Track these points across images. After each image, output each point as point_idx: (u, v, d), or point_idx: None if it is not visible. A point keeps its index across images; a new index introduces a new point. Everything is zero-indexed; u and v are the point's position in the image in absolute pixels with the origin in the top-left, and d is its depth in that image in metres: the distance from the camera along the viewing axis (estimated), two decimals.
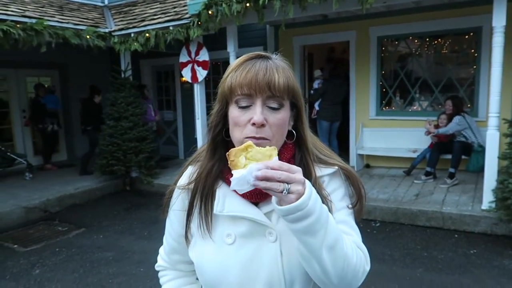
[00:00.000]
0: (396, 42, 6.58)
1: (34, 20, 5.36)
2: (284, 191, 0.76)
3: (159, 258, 1.24)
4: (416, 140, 6.20)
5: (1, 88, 8.06)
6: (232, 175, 0.97)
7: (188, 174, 1.06)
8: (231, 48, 5.86)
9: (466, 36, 6.08)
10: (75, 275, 3.76)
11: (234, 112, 0.92)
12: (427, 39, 6.35)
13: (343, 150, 6.80)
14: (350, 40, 6.77)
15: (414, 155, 6.03)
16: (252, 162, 0.80)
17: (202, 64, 6.16)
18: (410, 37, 6.44)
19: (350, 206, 1.01)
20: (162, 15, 6.25)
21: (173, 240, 1.13)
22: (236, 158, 0.81)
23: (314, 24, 6.74)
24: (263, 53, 0.95)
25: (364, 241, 0.97)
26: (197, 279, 1.20)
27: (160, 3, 7.12)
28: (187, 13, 5.72)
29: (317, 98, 6.73)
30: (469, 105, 6.06)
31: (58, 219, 5.53)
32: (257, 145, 0.90)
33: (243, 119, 0.91)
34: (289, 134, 0.98)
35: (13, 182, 6.80)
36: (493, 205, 4.23)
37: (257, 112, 0.89)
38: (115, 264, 3.97)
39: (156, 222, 5.20)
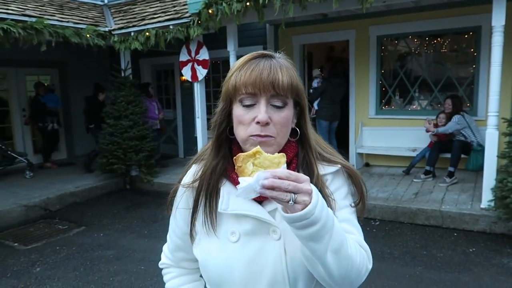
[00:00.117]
0: (396, 41, 6.60)
1: (34, 19, 5.36)
2: (291, 202, 0.75)
3: (163, 255, 1.25)
4: (416, 139, 6.21)
5: (1, 87, 8.06)
6: (236, 174, 0.98)
7: (192, 173, 1.07)
8: (231, 47, 5.87)
9: (466, 36, 6.10)
10: (76, 273, 3.77)
11: (238, 111, 0.94)
12: (427, 38, 6.36)
13: (341, 149, 6.81)
14: (349, 39, 6.78)
15: (414, 154, 6.04)
16: (260, 169, 0.79)
17: (202, 63, 6.17)
18: (410, 36, 6.46)
19: (353, 204, 1.02)
20: (162, 14, 6.25)
21: (177, 238, 1.13)
22: (243, 164, 0.80)
23: (314, 23, 6.75)
24: (266, 52, 0.96)
25: (364, 240, 0.98)
26: (201, 276, 1.22)
27: (160, 2, 7.12)
28: (187, 12, 5.72)
29: (316, 97, 6.74)
30: (468, 104, 6.08)
31: (58, 217, 5.54)
32: (263, 143, 0.91)
33: (248, 118, 0.92)
34: (293, 132, 0.99)
35: (13, 180, 6.81)
36: (492, 203, 4.25)
37: (261, 111, 0.90)
38: (116, 262, 3.98)
39: (156, 220, 5.22)
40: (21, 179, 6.87)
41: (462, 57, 6.21)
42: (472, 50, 6.04)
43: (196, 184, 1.03)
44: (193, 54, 6.22)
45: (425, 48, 6.45)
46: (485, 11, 5.22)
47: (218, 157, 1.01)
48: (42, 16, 5.58)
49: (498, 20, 4.06)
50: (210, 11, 5.18)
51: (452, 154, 5.40)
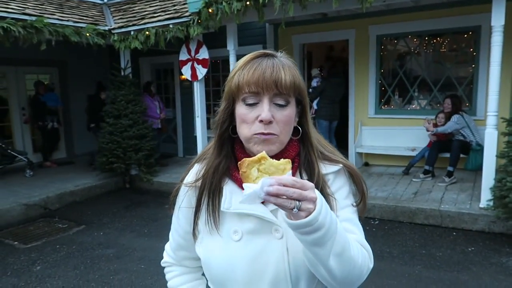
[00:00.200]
0: (395, 41, 6.61)
1: (34, 18, 5.36)
2: (295, 209, 0.75)
3: (165, 254, 1.25)
4: (415, 139, 6.23)
5: (0, 86, 8.05)
6: (239, 173, 0.99)
7: (195, 172, 1.07)
8: (231, 46, 5.88)
9: (465, 35, 6.11)
10: (76, 271, 3.78)
11: (241, 110, 0.94)
12: (426, 38, 6.37)
13: (341, 149, 6.82)
14: (349, 38, 6.79)
15: (413, 154, 6.06)
16: (265, 175, 0.78)
17: (202, 62, 6.17)
18: (409, 36, 6.47)
19: (354, 204, 1.03)
20: (162, 13, 6.26)
21: (180, 237, 1.14)
22: (248, 169, 0.79)
23: (314, 23, 6.76)
24: (268, 51, 0.97)
25: (365, 239, 0.99)
26: (202, 274, 1.22)
27: (159, 1, 7.12)
28: (187, 11, 5.73)
29: (316, 97, 6.75)
30: (467, 104, 6.09)
31: (58, 216, 5.54)
32: (266, 140, 0.92)
33: (251, 116, 0.92)
34: (294, 130, 1.00)
35: (13, 179, 6.81)
36: (491, 203, 4.27)
37: (264, 110, 0.90)
38: (116, 261, 3.99)
39: (156, 219, 5.23)
40: (21, 178, 6.88)
41: (461, 57, 6.23)
42: (471, 49, 6.06)
43: (199, 183, 1.04)
44: (193, 53, 6.23)
45: (424, 47, 6.47)
46: (484, 11, 5.23)
47: (221, 156, 1.01)
48: (42, 14, 5.58)
49: (497, 20, 4.07)
50: (210, 10, 5.19)
51: (451, 154, 5.42)
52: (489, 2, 4.20)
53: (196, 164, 1.10)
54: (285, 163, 0.80)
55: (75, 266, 3.89)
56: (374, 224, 4.68)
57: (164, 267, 1.26)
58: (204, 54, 6.14)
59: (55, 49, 5.82)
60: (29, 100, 8.14)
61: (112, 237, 4.66)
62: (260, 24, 6.32)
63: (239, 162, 0.81)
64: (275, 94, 0.92)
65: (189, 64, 6.29)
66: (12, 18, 5.10)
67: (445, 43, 6.34)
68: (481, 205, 4.43)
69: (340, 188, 1.02)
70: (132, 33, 6.24)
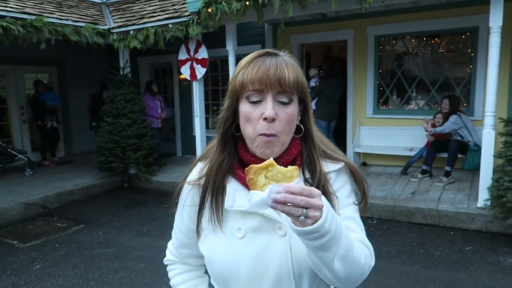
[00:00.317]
0: (394, 41, 6.63)
1: (33, 17, 5.36)
2: (302, 217, 0.76)
3: (167, 252, 1.25)
4: (413, 139, 6.26)
5: None
6: (242, 171, 1.01)
7: (198, 170, 1.08)
8: (230, 46, 5.89)
9: (463, 36, 6.14)
10: (76, 270, 3.79)
11: (245, 108, 0.95)
12: (424, 39, 6.40)
13: (339, 148, 6.83)
14: (348, 39, 6.81)
15: (411, 154, 6.09)
16: (272, 182, 0.78)
17: (201, 62, 6.18)
18: (408, 37, 6.49)
19: (356, 202, 1.04)
20: (161, 13, 6.26)
21: (183, 235, 1.14)
22: (255, 176, 0.79)
23: (313, 23, 6.78)
24: (271, 50, 0.98)
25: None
26: (205, 272, 1.23)
27: (158, 1, 7.12)
28: (186, 10, 5.74)
29: (314, 97, 6.77)
30: (465, 104, 6.12)
31: (57, 215, 5.55)
32: (268, 142, 0.94)
33: (255, 114, 0.93)
34: (297, 129, 1.01)
35: (12, 178, 6.80)
36: (488, 203, 4.30)
37: (268, 107, 0.92)
38: (115, 259, 4.00)
39: (155, 219, 5.23)
40: (20, 177, 6.87)
41: (459, 58, 6.26)
42: (469, 50, 6.09)
43: (202, 181, 1.05)
44: (192, 53, 6.23)
45: (422, 48, 6.50)
46: (482, 12, 5.25)
47: (224, 154, 1.02)
48: (41, 14, 5.57)
49: (495, 20, 4.09)
50: (209, 10, 5.20)
51: (449, 154, 5.45)
52: (487, 3, 4.23)
53: (199, 163, 1.11)
54: (293, 170, 0.80)
55: (75, 265, 3.90)
56: (372, 223, 4.71)
57: (166, 265, 1.25)
58: (203, 53, 6.15)
59: (54, 48, 5.82)
60: (27, 99, 8.13)
61: (111, 236, 4.66)
62: (259, 24, 6.33)
63: (246, 169, 0.81)
64: (279, 92, 0.93)
65: (188, 63, 6.30)
66: (12, 17, 5.10)
67: (443, 44, 6.37)
68: (478, 205, 4.46)
69: (342, 186, 1.03)
70: (131, 32, 6.25)
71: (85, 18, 6.45)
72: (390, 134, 6.56)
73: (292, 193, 0.75)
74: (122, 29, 6.36)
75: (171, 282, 1.22)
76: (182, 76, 8.02)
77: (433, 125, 5.72)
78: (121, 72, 6.87)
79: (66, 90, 8.80)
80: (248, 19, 5.31)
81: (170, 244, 1.24)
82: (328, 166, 1.03)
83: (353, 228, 1.00)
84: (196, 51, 6.19)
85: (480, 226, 4.36)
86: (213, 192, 1.02)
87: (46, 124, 7.66)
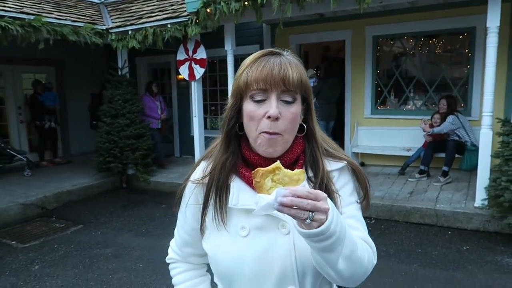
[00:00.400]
0: (391, 42, 6.66)
1: (32, 17, 5.35)
2: (308, 220, 0.76)
3: (170, 250, 1.26)
4: (410, 139, 6.28)
5: None
6: (246, 169, 1.02)
7: (201, 169, 1.09)
8: (228, 46, 5.90)
9: (460, 36, 6.17)
10: (75, 270, 3.79)
11: (249, 107, 0.96)
12: (422, 39, 6.43)
13: None
14: (346, 39, 6.83)
15: (408, 154, 6.11)
16: (279, 186, 0.78)
17: (200, 62, 6.19)
18: (405, 37, 6.52)
19: (359, 201, 1.06)
20: (160, 13, 6.26)
21: (186, 234, 1.15)
22: (262, 179, 0.79)
23: (311, 23, 6.79)
24: (275, 49, 0.99)
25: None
26: (207, 271, 1.24)
27: (157, 1, 7.12)
28: (184, 11, 5.75)
29: (312, 97, 6.78)
30: (462, 105, 6.16)
31: (55, 215, 5.54)
32: (271, 140, 0.95)
33: (258, 113, 0.94)
34: (300, 127, 1.01)
35: (11, 178, 6.79)
36: (486, 202, 4.33)
37: (272, 106, 0.92)
38: (115, 260, 4.00)
39: (153, 219, 5.24)
40: (19, 177, 6.85)
41: (456, 58, 6.29)
42: (466, 50, 6.12)
43: (206, 180, 1.05)
44: (190, 53, 6.24)
45: (419, 48, 6.53)
46: (479, 12, 5.29)
47: (228, 152, 1.03)
48: (40, 13, 5.57)
49: (493, 21, 4.12)
50: (208, 10, 5.21)
51: (447, 154, 5.48)
52: (485, 3, 4.25)
53: (202, 162, 1.11)
54: (299, 173, 0.80)
55: (74, 265, 3.89)
56: (370, 223, 4.72)
57: (169, 264, 1.26)
58: (201, 54, 6.16)
59: (52, 48, 5.81)
60: (25, 99, 8.12)
61: (110, 237, 4.66)
62: (257, 24, 6.34)
63: (252, 172, 0.82)
64: (283, 91, 0.94)
65: (187, 63, 6.31)
66: (10, 17, 5.09)
67: (440, 44, 6.40)
68: (476, 205, 4.49)
69: (345, 185, 1.04)
70: (129, 32, 6.25)
71: (84, 18, 6.45)
72: (388, 134, 6.59)
73: (298, 196, 0.75)
74: (121, 29, 6.36)
75: (174, 280, 1.22)
76: (180, 76, 8.02)
77: (431, 126, 5.75)
78: (119, 72, 6.87)
79: (64, 90, 8.78)
80: (247, 19, 5.33)
81: (172, 243, 1.25)
82: (331, 165, 1.04)
83: (356, 226, 1.01)
84: (194, 51, 6.20)
85: (477, 226, 4.39)
86: (217, 190, 1.03)
87: (44, 125, 7.64)
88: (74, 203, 6.08)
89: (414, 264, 3.67)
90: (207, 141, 6.70)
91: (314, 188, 0.98)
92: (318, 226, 0.78)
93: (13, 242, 4.58)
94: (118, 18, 6.89)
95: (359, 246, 0.92)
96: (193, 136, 6.91)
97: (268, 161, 0.98)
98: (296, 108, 0.97)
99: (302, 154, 1.03)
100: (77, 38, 5.86)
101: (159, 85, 9.01)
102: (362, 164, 6.87)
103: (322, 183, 0.99)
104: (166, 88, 9.01)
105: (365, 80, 6.75)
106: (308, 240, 0.81)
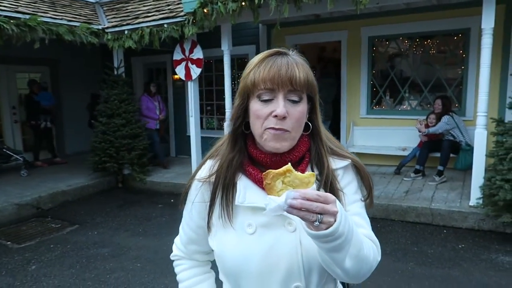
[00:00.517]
0: (387, 42, 6.71)
1: (27, 16, 5.32)
2: (316, 222, 0.78)
3: (174, 248, 1.26)
4: (406, 138, 6.33)
5: None
6: (252, 168, 1.03)
7: (208, 167, 1.09)
8: (225, 46, 5.90)
9: (455, 37, 6.23)
10: (72, 270, 3.77)
11: (256, 106, 0.97)
12: (417, 40, 6.48)
13: None
14: (341, 39, 6.87)
15: (404, 153, 6.16)
16: (289, 188, 0.80)
17: (196, 62, 6.19)
18: (401, 38, 6.57)
19: (363, 199, 1.07)
20: (156, 13, 6.25)
21: (191, 231, 1.15)
22: (273, 181, 0.80)
23: (307, 24, 6.82)
24: (281, 49, 1.00)
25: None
26: (211, 268, 1.26)
27: (153, 0, 7.11)
28: (181, 10, 5.74)
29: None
30: (456, 105, 6.22)
31: (51, 216, 5.51)
32: (277, 136, 0.96)
33: (265, 112, 0.95)
34: (305, 126, 1.03)
35: (6, 178, 6.73)
36: (481, 201, 4.38)
37: (280, 105, 0.94)
38: (112, 259, 3.99)
39: (150, 219, 5.23)
40: (14, 178, 6.80)
41: (451, 59, 6.35)
42: (461, 51, 6.18)
43: (213, 178, 1.06)
44: (187, 53, 6.24)
45: (414, 49, 6.58)
46: (474, 14, 5.36)
47: (234, 151, 1.04)
48: (35, 13, 5.53)
49: (487, 22, 4.17)
50: (205, 11, 5.21)
51: (442, 154, 5.53)
52: (479, 5, 4.31)
53: (208, 160, 1.12)
54: (310, 176, 0.81)
55: (71, 265, 3.88)
56: None
57: (173, 261, 1.26)
58: (198, 53, 6.16)
59: (46, 48, 5.76)
60: (19, 99, 8.06)
61: (106, 236, 4.65)
62: (253, 25, 6.36)
63: (263, 174, 0.83)
64: (289, 90, 0.95)
65: (183, 63, 6.30)
66: (5, 16, 5.06)
67: (435, 45, 6.46)
68: (470, 203, 4.54)
69: (350, 183, 1.06)
70: (126, 32, 6.23)
71: (79, 18, 6.42)
72: (383, 134, 6.63)
73: (308, 199, 0.77)
74: (117, 29, 6.33)
75: (178, 277, 1.23)
76: (176, 76, 8.01)
77: (427, 126, 5.80)
78: (115, 72, 6.84)
79: (59, 90, 8.73)
80: (244, 19, 5.33)
81: (177, 240, 1.25)
82: (335, 163, 1.05)
83: (361, 224, 1.03)
84: (191, 51, 6.20)
85: (472, 224, 4.44)
86: (223, 188, 1.04)
87: (40, 124, 7.59)
88: (69, 203, 6.05)
89: (411, 262, 3.71)
90: (204, 141, 6.71)
91: (319, 186, 0.99)
92: (327, 228, 0.79)
93: (9, 243, 4.55)
94: (114, 17, 6.87)
95: (365, 244, 0.93)
96: (189, 136, 6.91)
97: (274, 158, 1.00)
98: (303, 107, 0.98)
99: (308, 152, 1.05)
100: (73, 38, 5.84)
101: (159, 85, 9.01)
102: None
103: (327, 181, 1.01)
104: (162, 88, 8.98)
105: (361, 81, 6.79)
106: (316, 241, 0.83)
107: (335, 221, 0.79)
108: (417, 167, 5.75)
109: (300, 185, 0.80)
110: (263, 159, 1.01)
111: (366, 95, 6.81)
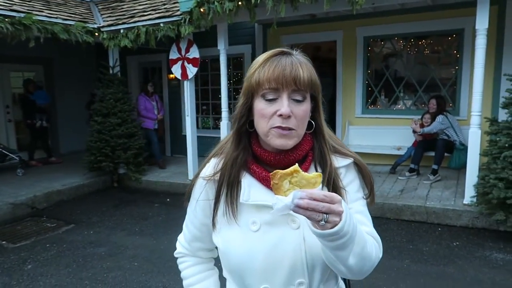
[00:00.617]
0: (382, 43, 6.75)
1: (22, 14, 5.28)
2: (322, 222, 0.79)
3: (178, 245, 1.27)
4: (401, 138, 6.38)
5: None
6: (256, 166, 1.04)
7: (212, 165, 1.10)
8: (221, 45, 5.90)
9: (449, 38, 6.30)
10: (69, 269, 3.76)
11: (260, 105, 0.99)
12: (412, 40, 6.54)
13: None
14: (337, 39, 6.90)
15: (398, 152, 6.21)
16: (296, 188, 0.82)
17: (192, 61, 6.19)
18: (396, 38, 6.62)
19: (365, 197, 1.09)
20: (152, 12, 6.25)
21: (195, 228, 1.17)
22: (280, 181, 0.82)
23: (303, 24, 6.85)
24: (285, 49, 1.02)
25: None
26: (214, 265, 1.27)
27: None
28: (177, 10, 5.74)
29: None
30: (451, 104, 6.28)
31: (46, 215, 5.48)
32: (285, 136, 0.98)
33: (269, 111, 0.97)
34: (308, 124, 1.04)
35: (1, 178, 6.67)
36: (474, 199, 4.43)
37: (284, 105, 0.95)
38: (109, 258, 3.98)
39: (146, 218, 5.22)
40: (9, 177, 6.74)
41: (445, 59, 6.42)
42: (455, 51, 6.25)
43: (217, 176, 1.07)
44: (183, 52, 6.23)
45: (409, 49, 6.63)
46: (468, 15, 5.43)
47: (239, 149, 1.05)
48: (30, 11, 5.50)
49: (481, 23, 4.22)
50: (202, 10, 5.21)
51: (436, 153, 5.58)
52: (473, 6, 4.36)
53: (213, 159, 1.13)
54: (316, 177, 0.83)
55: (67, 265, 3.87)
56: None
57: (177, 258, 1.27)
58: (194, 53, 6.16)
59: (40, 47, 5.71)
60: (13, 98, 8.00)
61: (103, 236, 4.64)
62: (249, 24, 6.37)
63: (271, 174, 0.85)
64: (294, 90, 0.97)
65: (180, 63, 6.30)
66: (0, 15, 5.02)
67: (429, 45, 6.51)
68: (465, 202, 4.59)
69: (352, 181, 1.08)
70: (122, 31, 6.21)
71: (74, 16, 6.39)
72: (378, 133, 6.68)
73: (315, 199, 0.78)
74: (112, 27, 6.31)
75: (182, 274, 1.24)
76: (171, 76, 8.00)
77: (422, 125, 5.85)
78: (111, 71, 6.82)
79: (53, 88, 8.68)
80: (240, 19, 5.35)
81: (181, 237, 1.26)
82: (338, 161, 1.07)
83: (363, 221, 1.05)
84: (187, 51, 6.20)
85: (466, 222, 4.49)
86: (228, 186, 1.05)
87: (35, 123, 7.55)
88: (64, 203, 6.03)
89: (406, 260, 3.75)
90: (200, 140, 6.69)
91: (322, 184, 1.01)
92: (332, 228, 0.81)
93: (4, 242, 4.53)
94: (109, 16, 6.84)
95: (368, 242, 0.95)
96: (184, 135, 6.91)
97: (278, 157, 1.02)
98: (306, 106, 1.00)
99: (311, 151, 1.06)
100: (68, 37, 5.81)
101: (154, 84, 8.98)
102: None
103: (330, 179, 1.02)
104: (157, 87, 8.95)
105: (356, 80, 6.83)
106: (322, 239, 0.85)
107: (340, 220, 0.81)
108: (412, 166, 5.81)
109: (307, 185, 0.82)
110: (267, 157, 1.03)
111: (361, 94, 6.86)
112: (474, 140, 4.43)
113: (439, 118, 5.55)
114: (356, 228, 0.87)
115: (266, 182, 1.02)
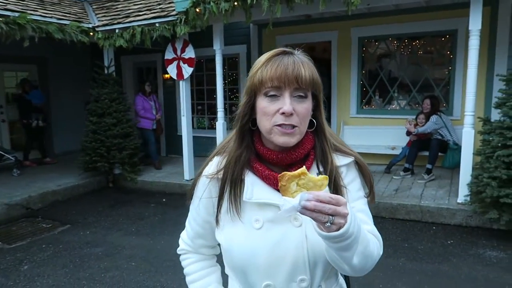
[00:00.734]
0: (376, 43, 6.81)
1: (16, 14, 5.25)
2: (328, 223, 0.81)
3: (181, 242, 1.29)
4: (395, 137, 6.44)
5: None
6: (259, 164, 1.06)
7: (215, 163, 1.12)
8: (217, 46, 5.92)
9: (442, 38, 6.36)
10: (66, 270, 3.76)
11: (263, 103, 1.00)
12: (406, 41, 6.60)
13: None
14: (332, 40, 6.94)
15: (393, 152, 6.26)
16: (303, 190, 0.83)
17: (188, 61, 6.19)
18: (390, 38, 6.67)
19: (365, 195, 1.11)
20: (148, 12, 6.24)
21: (198, 226, 1.18)
22: (288, 183, 0.84)
23: (297, 24, 6.88)
24: (287, 49, 1.04)
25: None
26: (217, 262, 1.29)
27: None
28: (173, 9, 5.74)
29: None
30: (444, 104, 6.35)
31: (41, 216, 5.46)
32: (288, 134, 1.00)
33: (272, 109, 0.99)
34: (309, 123, 1.05)
35: None
36: (468, 198, 4.49)
37: (286, 103, 0.97)
38: (106, 258, 3.98)
39: (142, 218, 5.22)
40: (3, 177, 6.69)
41: (439, 59, 6.48)
42: (448, 52, 6.31)
43: (221, 174, 1.09)
44: (179, 52, 6.23)
45: (402, 50, 6.69)
46: (461, 16, 5.49)
47: (242, 147, 1.07)
48: (24, 11, 5.47)
49: (475, 24, 4.27)
50: (197, 10, 5.22)
51: (430, 152, 5.64)
52: (467, 7, 4.42)
53: (216, 157, 1.14)
54: (323, 179, 0.85)
55: (64, 265, 3.86)
56: None
57: (179, 255, 1.29)
58: (190, 53, 6.16)
59: (34, 46, 5.67)
60: (6, 98, 7.94)
61: (99, 236, 4.63)
62: (245, 25, 6.38)
63: (279, 175, 0.86)
64: (296, 88, 0.99)
65: (175, 63, 6.30)
66: None
67: (423, 46, 6.58)
68: (458, 201, 4.65)
69: (353, 180, 1.10)
70: (117, 31, 6.19)
71: (69, 16, 6.36)
72: (373, 133, 6.73)
73: (321, 201, 0.80)
74: (107, 27, 6.29)
75: (185, 271, 1.26)
76: (166, 76, 8.00)
77: (416, 125, 5.90)
78: (106, 71, 6.80)
79: (48, 88, 8.62)
80: (236, 19, 5.36)
81: (184, 235, 1.28)
82: (339, 160, 1.09)
83: (365, 220, 1.06)
84: (183, 51, 6.20)
85: (460, 221, 4.55)
86: (231, 184, 1.07)
87: (31, 123, 7.50)
88: (60, 203, 6.00)
89: (402, 258, 3.79)
90: (195, 140, 6.67)
91: None
92: (337, 230, 0.82)
93: None
94: (104, 16, 6.82)
95: (371, 241, 0.98)
96: (179, 136, 6.90)
97: (281, 155, 1.04)
98: (308, 105, 1.02)
99: (312, 149, 1.08)
100: (63, 36, 5.78)
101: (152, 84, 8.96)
102: None
103: (331, 177, 1.04)
104: (152, 87, 8.92)
105: (351, 81, 6.88)
106: (327, 241, 0.86)
107: (345, 222, 0.82)
108: (406, 165, 5.86)
109: (314, 187, 0.84)
110: (270, 155, 1.04)
111: (356, 94, 6.91)
112: (468, 139, 4.48)
113: (433, 118, 5.61)
114: (360, 229, 0.89)
115: (268, 180, 1.04)
